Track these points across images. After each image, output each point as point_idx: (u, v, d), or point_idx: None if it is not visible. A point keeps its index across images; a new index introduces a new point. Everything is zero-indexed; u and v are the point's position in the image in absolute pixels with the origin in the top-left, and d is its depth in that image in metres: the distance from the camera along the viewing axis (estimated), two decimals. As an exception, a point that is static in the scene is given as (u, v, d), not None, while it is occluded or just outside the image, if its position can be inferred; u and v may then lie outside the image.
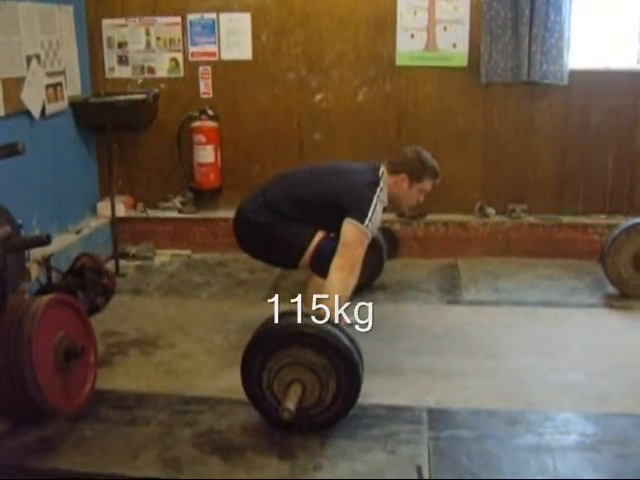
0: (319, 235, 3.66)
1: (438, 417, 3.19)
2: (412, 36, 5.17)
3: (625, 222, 4.64)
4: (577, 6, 5.02)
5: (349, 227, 3.51)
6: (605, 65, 5.25)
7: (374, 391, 3.38)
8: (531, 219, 5.32)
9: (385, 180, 3.75)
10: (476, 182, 5.40)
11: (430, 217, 5.38)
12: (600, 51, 5.26)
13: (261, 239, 3.76)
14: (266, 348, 3.02)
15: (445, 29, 5.16)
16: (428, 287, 4.80)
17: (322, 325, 3.01)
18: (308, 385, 2.99)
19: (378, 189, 3.66)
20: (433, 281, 4.91)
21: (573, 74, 5.09)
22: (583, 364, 3.67)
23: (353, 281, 3.49)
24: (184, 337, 4.05)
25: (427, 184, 3.85)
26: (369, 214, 3.53)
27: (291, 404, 2.89)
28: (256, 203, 3.80)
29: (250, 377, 3.05)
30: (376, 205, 3.59)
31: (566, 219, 5.31)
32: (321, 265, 3.57)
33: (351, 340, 3.06)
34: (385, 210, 3.81)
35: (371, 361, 3.66)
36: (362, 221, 3.51)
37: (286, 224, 3.68)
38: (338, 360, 2.97)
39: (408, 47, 5.18)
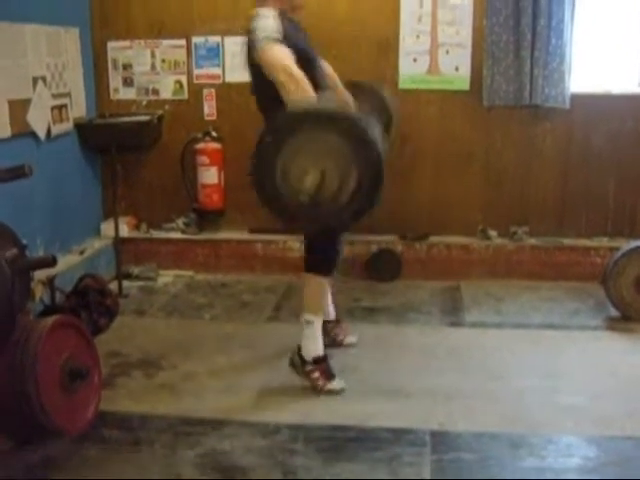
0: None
1: (441, 440, 3.19)
2: (415, 59, 5.22)
3: (627, 245, 4.65)
4: (578, 30, 5.07)
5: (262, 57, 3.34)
6: (606, 89, 5.28)
7: (377, 413, 3.40)
8: (533, 241, 5.34)
9: (261, 14, 3.51)
10: (478, 204, 5.42)
11: (432, 239, 5.40)
12: (601, 75, 5.30)
13: None
14: (285, 132, 2.92)
15: (447, 52, 5.21)
16: (430, 309, 4.81)
17: (352, 113, 2.90)
18: (327, 173, 2.90)
19: (257, 24, 3.46)
20: (435, 303, 4.92)
21: (575, 98, 5.14)
22: (585, 387, 3.68)
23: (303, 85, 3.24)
24: (187, 358, 4.05)
25: None
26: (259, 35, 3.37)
27: (310, 186, 2.85)
28: None
29: (263, 168, 2.96)
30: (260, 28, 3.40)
31: (568, 241, 5.33)
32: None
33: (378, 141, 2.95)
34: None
35: (374, 383, 3.72)
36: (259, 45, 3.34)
37: None
38: (362, 150, 2.86)
39: (411, 70, 5.23)
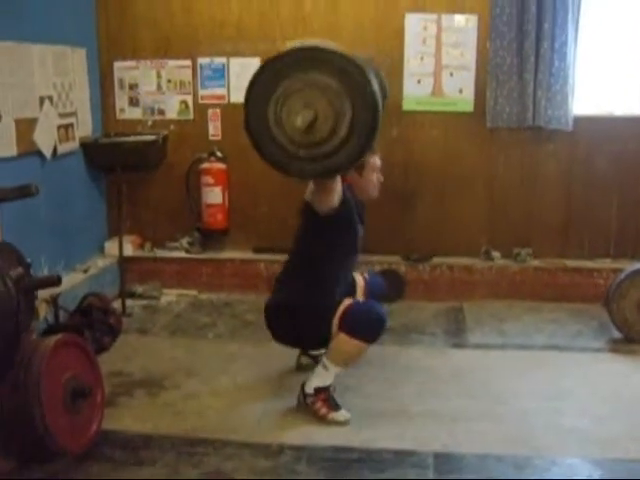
0: (345, 303, 3.55)
1: (444, 461, 3.18)
2: (419, 81, 5.26)
3: (630, 266, 4.66)
4: (581, 53, 5.11)
5: None
6: (609, 111, 5.31)
7: (380, 435, 3.39)
8: (536, 263, 5.35)
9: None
10: (482, 226, 5.44)
11: (436, 260, 5.41)
12: (604, 97, 5.33)
13: (287, 323, 3.66)
14: (277, 72, 2.93)
15: (451, 75, 5.24)
16: (434, 330, 4.81)
17: (344, 54, 2.91)
18: (321, 112, 2.90)
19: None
20: (439, 324, 4.92)
21: (578, 120, 5.17)
22: (589, 409, 3.67)
23: None
24: (190, 378, 4.05)
25: (372, 162, 3.75)
26: None
27: (302, 124, 2.87)
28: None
29: (256, 108, 2.97)
30: None
31: (571, 263, 5.33)
32: (351, 324, 3.46)
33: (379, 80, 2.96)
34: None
35: (377, 405, 3.71)
36: None
37: (307, 305, 3.57)
38: (357, 89, 2.88)
39: (415, 92, 5.26)
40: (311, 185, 3.45)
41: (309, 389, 3.59)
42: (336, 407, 3.58)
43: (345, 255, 3.69)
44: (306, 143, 2.97)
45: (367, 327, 3.47)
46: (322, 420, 3.54)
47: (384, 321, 3.51)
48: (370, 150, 3.09)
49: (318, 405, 3.57)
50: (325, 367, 3.57)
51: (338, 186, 3.36)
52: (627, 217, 5.32)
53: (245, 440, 3.35)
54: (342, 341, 3.48)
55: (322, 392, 3.57)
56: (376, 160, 3.79)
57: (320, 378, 3.59)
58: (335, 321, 3.49)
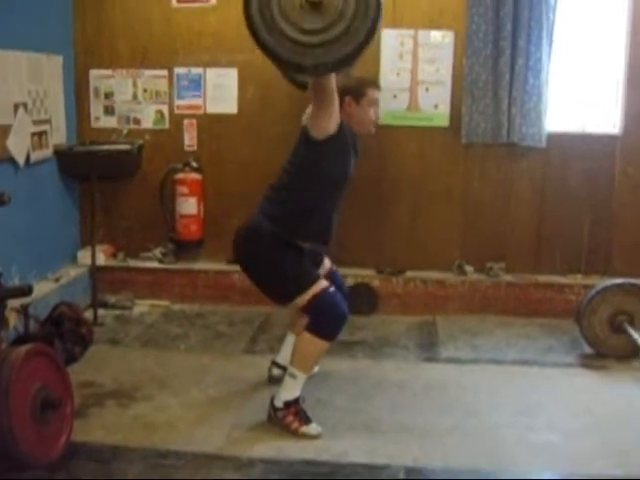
0: (322, 283, 3.59)
1: (416, 476, 3.18)
2: (395, 96, 5.28)
3: (601, 283, 4.71)
4: (555, 70, 5.17)
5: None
6: (582, 128, 5.37)
7: (351, 449, 3.39)
8: (509, 278, 5.38)
9: None
10: (455, 240, 5.47)
11: (409, 274, 5.42)
12: (577, 115, 5.39)
13: (264, 258, 3.64)
14: None
15: (427, 90, 5.28)
16: (406, 344, 4.81)
17: None
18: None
19: None
20: (411, 337, 4.93)
21: (551, 137, 5.22)
22: (559, 424, 3.69)
23: None
24: (161, 389, 4.02)
25: (371, 94, 3.76)
26: None
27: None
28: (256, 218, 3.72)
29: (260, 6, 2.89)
30: None
31: (543, 278, 5.38)
32: (317, 315, 3.53)
33: None
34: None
35: (348, 418, 3.71)
36: None
37: (292, 252, 3.59)
38: None
39: (391, 107, 5.27)
40: (309, 109, 3.47)
41: (279, 403, 3.58)
42: (307, 420, 3.56)
43: (335, 183, 3.66)
44: (316, 29, 2.90)
45: (331, 325, 3.54)
46: (294, 434, 3.52)
47: (346, 319, 3.59)
48: (373, 37, 2.98)
49: (289, 419, 3.55)
50: (293, 376, 3.57)
51: (335, 108, 3.38)
52: (599, 234, 5.38)
53: (215, 453, 3.33)
54: (306, 341, 3.53)
55: (292, 405, 3.56)
56: (375, 93, 3.79)
57: (289, 390, 3.58)
58: (305, 298, 3.52)
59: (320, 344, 3.54)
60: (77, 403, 3.56)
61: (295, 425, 3.54)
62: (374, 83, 3.88)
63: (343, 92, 3.61)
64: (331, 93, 3.30)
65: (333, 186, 3.66)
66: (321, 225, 3.68)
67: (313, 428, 3.55)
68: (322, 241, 3.73)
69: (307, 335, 3.53)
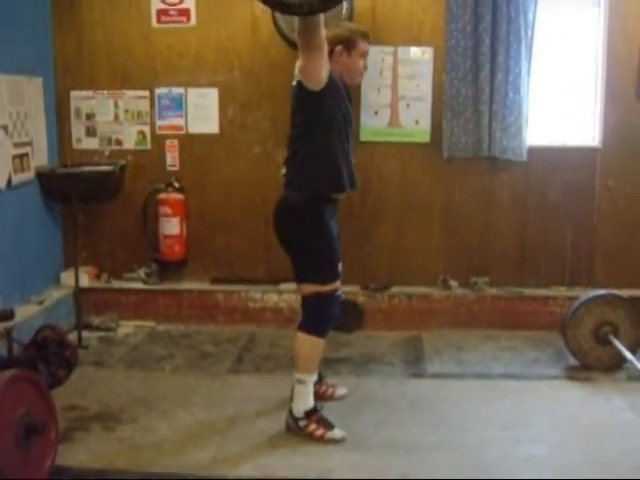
0: (337, 284, 3.68)
1: (402, 493, 3.18)
2: (376, 112, 5.31)
3: (585, 294, 4.73)
4: (535, 84, 5.21)
5: None
6: (562, 142, 5.42)
7: (337, 466, 3.38)
8: (493, 291, 5.40)
9: None
10: (438, 255, 5.48)
11: (394, 289, 5.43)
12: (557, 129, 5.43)
13: (300, 237, 3.69)
14: None
15: (408, 106, 5.31)
16: (392, 360, 4.81)
17: None
18: None
19: None
20: (397, 354, 4.93)
21: (532, 150, 5.26)
22: (545, 436, 3.70)
23: None
24: (147, 411, 4.00)
25: (362, 45, 3.78)
26: None
27: None
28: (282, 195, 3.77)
29: None
30: None
31: (527, 291, 5.40)
32: (315, 311, 3.65)
33: None
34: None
35: (335, 436, 3.68)
36: None
37: (326, 232, 3.66)
38: None
39: (372, 123, 5.31)
40: (299, 61, 3.46)
41: (298, 413, 3.64)
42: (330, 426, 3.65)
43: (339, 123, 3.66)
44: None
45: (326, 323, 3.69)
46: (319, 441, 3.59)
47: (337, 317, 3.75)
48: None
49: (312, 427, 3.62)
50: (301, 382, 3.64)
51: (324, 55, 3.38)
52: (581, 245, 5.41)
53: (202, 474, 3.31)
54: (303, 342, 3.64)
55: (313, 414, 3.64)
56: (366, 45, 3.82)
57: (303, 397, 3.65)
58: (317, 290, 3.61)
59: (317, 341, 3.65)
60: (62, 427, 3.54)
61: (320, 432, 3.61)
62: (365, 35, 3.85)
63: (334, 41, 3.65)
64: (318, 38, 3.28)
65: (339, 125, 3.65)
66: (339, 163, 3.67)
67: (338, 433, 3.63)
68: (350, 182, 3.76)
69: (303, 335, 3.64)
